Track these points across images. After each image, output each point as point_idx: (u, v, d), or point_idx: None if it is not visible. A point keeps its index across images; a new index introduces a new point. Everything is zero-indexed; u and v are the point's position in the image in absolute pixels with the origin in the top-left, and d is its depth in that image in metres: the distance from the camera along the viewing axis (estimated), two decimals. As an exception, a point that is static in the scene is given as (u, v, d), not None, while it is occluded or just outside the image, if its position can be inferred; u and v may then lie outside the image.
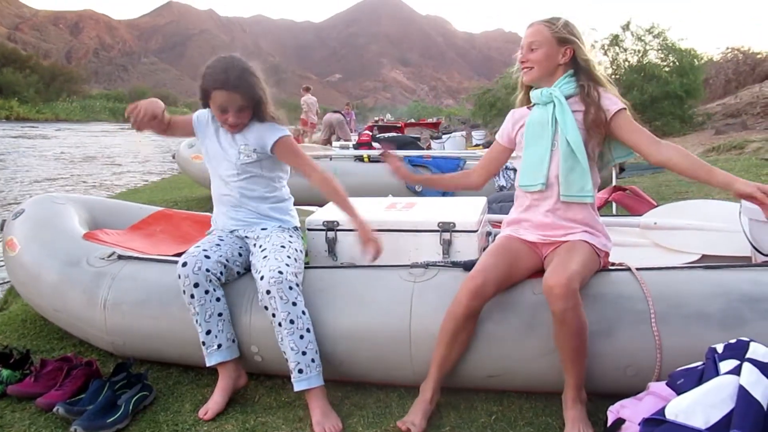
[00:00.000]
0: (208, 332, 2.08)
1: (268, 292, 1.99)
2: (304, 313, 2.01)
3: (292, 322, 1.98)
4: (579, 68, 2.07)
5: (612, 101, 2.04)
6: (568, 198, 2.05)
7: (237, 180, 2.32)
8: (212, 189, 2.42)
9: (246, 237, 2.33)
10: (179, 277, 2.08)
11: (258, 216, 2.34)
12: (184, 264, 2.08)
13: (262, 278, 2.03)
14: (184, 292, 2.08)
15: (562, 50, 2.05)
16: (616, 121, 2.02)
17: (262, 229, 2.33)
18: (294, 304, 1.99)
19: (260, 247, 2.22)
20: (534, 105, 2.14)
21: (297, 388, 1.99)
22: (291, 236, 2.31)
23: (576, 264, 1.87)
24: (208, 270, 2.08)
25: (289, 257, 2.13)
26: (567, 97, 2.06)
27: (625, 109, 2.03)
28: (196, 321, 2.08)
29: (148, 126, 2.16)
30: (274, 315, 1.99)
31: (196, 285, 2.06)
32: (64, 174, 12.52)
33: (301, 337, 1.98)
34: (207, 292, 2.08)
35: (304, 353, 1.98)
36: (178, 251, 2.64)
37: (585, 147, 2.03)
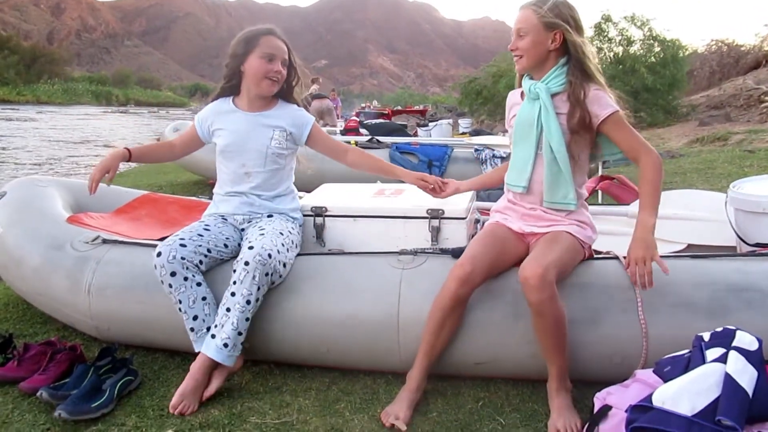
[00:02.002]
0: (195, 317, 2.06)
1: (246, 263, 1.99)
2: (258, 300, 2.02)
3: (248, 302, 1.99)
4: (571, 56, 1.98)
5: (602, 105, 1.95)
6: (551, 205, 2.05)
7: (262, 171, 2.33)
8: (222, 182, 2.40)
9: (249, 222, 2.33)
10: (155, 267, 2.05)
11: (269, 209, 2.37)
12: (159, 254, 2.05)
13: (251, 248, 2.02)
14: (162, 282, 2.06)
15: (551, 35, 1.95)
16: (606, 125, 1.97)
17: (268, 216, 2.35)
18: (259, 288, 2.00)
19: (260, 228, 2.22)
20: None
21: (212, 354, 1.98)
22: (293, 228, 2.32)
23: (553, 255, 1.86)
24: (183, 258, 2.05)
25: (283, 245, 2.13)
26: (555, 94, 1.99)
27: (617, 112, 1.96)
28: (180, 309, 2.06)
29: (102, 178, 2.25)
30: (235, 283, 2.00)
31: (173, 274, 2.03)
32: (57, 156, 12.45)
33: (247, 319, 2.00)
34: (186, 279, 2.05)
35: (240, 333, 2.00)
36: (163, 235, 2.60)
37: (570, 151, 1.98)
